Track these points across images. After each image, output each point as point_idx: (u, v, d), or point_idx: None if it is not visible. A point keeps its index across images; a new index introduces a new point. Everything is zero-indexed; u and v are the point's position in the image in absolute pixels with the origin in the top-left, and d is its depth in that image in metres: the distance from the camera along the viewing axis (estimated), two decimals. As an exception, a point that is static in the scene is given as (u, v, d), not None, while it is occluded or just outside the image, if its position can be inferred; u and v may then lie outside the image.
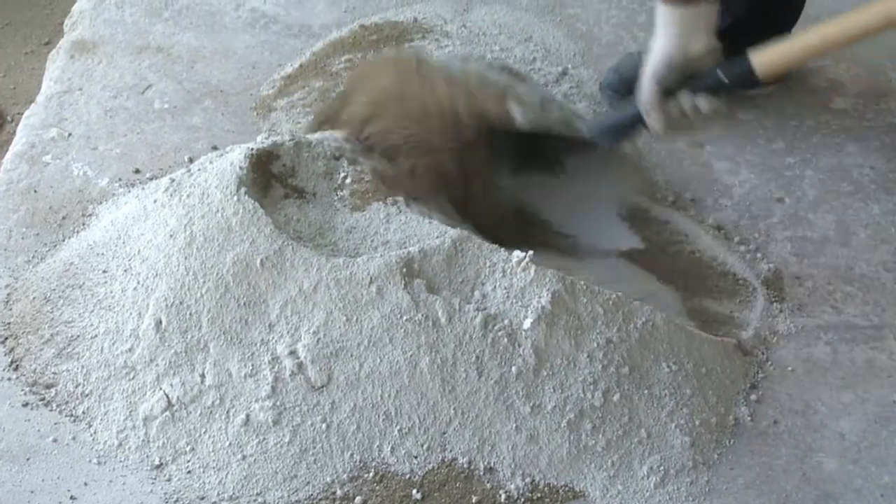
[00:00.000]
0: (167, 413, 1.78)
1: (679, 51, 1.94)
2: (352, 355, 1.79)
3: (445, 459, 1.77)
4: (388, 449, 1.77)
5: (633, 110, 2.03)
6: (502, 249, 1.87)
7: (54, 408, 1.83)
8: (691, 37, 1.94)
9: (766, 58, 1.91)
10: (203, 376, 1.80)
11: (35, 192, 2.22)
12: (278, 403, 1.77)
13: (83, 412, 1.82)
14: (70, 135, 2.35)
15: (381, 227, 1.98)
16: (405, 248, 1.88)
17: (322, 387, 1.78)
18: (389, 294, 1.80)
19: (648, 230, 2.21)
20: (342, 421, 1.77)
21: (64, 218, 2.16)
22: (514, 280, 1.84)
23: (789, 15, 2.43)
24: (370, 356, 1.79)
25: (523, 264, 1.84)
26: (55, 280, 1.97)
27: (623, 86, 2.41)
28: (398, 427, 1.77)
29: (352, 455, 1.76)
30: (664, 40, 1.96)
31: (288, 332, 1.80)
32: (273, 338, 1.80)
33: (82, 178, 2.25)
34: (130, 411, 1.80)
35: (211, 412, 1.78)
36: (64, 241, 2.10)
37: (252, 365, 1.79)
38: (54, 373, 1.86)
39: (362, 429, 1.77)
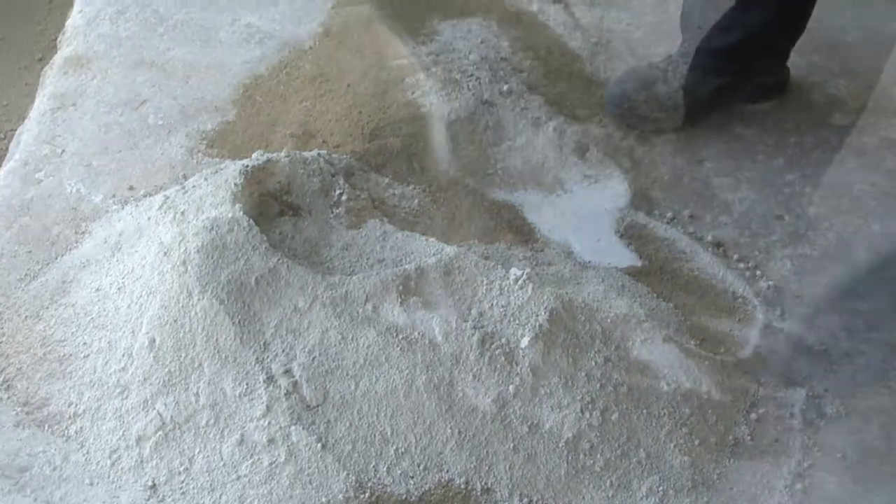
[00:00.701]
0: (161, 433, 1.76)
1: None
2: (347, 374, 1.78)
3: (442, 480, 1.75)
4: (385, 469, 1.75)
5: None
6: (499, 267, 1.86)
7: (46, 428, 1.80)
8: None
9: None
10: (197, 395, 1.77)
11: (28, 209, 2.19)
12: (273, 423, 1.75)
13: (76, 432, 1.79)
14: (63, 151, 2.33)
15: (377, 245, 1.97)
16: (401, 265, 1.87)
17: (317, 406, 1.76)
18: (385, 312, 1.79)
19: (647, 247, 2.19)
20: (337, 441, 1.75)
21: (57, 235, 2.13)
22: (511, 298, 1.82)
23: (795, 33, 2.42)
24: (366, 375, 1.78)
25: (521, 282, 1.83)
26: (47, 298, 1.95)
27: (626, 99, 2.40)
28: (394, 447, 1.75)
29: (347, 475, 1.73)
30: None
31: (283, 351, 1.78)
32: (268, 356, 1.78)
33: (75, 195, 2.23)
34: (124, 431, 1.77)
35: (205, 432, 1.76)
36: (57, 258, 2.07)
37: (247, 384, 1.77)
38: (46, 392, 1.84)
39: (358, 449, 1.75)
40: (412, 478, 1.75)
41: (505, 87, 2.41)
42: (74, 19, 2.73)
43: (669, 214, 2.27)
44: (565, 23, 2.76)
